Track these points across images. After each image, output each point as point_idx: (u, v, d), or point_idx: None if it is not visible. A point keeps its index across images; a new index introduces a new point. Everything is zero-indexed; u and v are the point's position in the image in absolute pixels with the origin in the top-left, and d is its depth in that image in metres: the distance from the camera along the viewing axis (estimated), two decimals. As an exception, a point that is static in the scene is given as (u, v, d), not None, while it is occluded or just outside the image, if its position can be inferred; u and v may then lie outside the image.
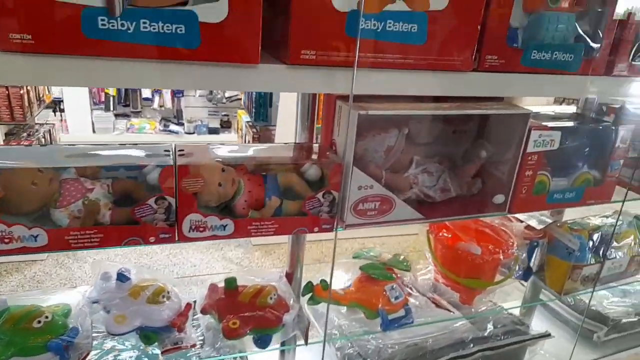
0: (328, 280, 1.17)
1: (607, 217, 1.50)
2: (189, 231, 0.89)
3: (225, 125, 4.41)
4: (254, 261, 2.67)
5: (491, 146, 1.14)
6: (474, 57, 0.95)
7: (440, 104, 1.02)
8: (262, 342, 1.04)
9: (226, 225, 0.91)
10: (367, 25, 0.84)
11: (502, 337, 1.35)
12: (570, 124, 1.21)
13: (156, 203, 0.85)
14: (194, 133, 4.25)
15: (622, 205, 1.32)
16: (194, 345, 1.04)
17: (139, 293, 1.01)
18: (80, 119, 3.95)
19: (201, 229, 0.89)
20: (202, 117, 4.39)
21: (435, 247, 1.30)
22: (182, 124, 4.26)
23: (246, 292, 1.07)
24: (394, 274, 1.17)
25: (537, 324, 1.69)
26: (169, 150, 0.91)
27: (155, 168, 0.84)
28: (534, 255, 1.37)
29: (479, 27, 0.93)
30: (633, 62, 1.12)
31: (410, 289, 1.22)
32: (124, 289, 1.02)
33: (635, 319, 1.61)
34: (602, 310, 1.61)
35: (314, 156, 1.03)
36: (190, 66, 0.76)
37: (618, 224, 1.45)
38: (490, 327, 1.35)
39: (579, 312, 1.63)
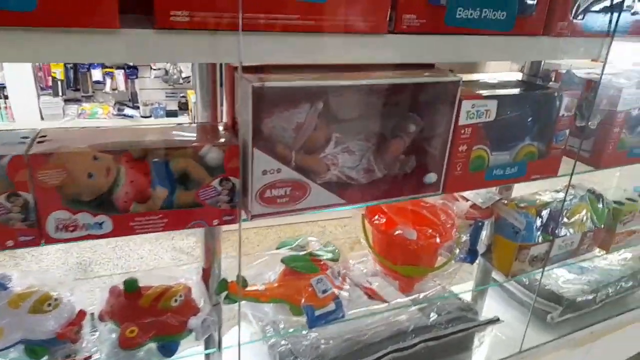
0: (248, 273, 1.06)
1: (558, 191, 1.41)
2: (56, 231, 0.75)
3: (184, 107, 4.21)
4: (207, 250, 2.55)
5: (422, 119, 1.02)
6: (388, 17, 0.82)
7: (360, 74, 0.90)
8: (166, 351, 0.93)
9: (102, 222, 0.78)
10: (252, -20, 0.71)
11: (447, 326, 1.26)
12: (511, 91, 1.10)
13: (9, 200, 0.71)
14: (150, 116, 4.05)
15: (570, 179, 1.22)
16: (88, 358, 0.91)
17: (18, 303, 0.88)
18: (27, 105, 3.71)
19: (71, 228, 0.76)
20: (159, 100, 4.18)
21: (371, 232, 1.19)
22: (138, 107, 4.06)
23: (148, 295, 0.94)
24: (319, 265, 1.06)
25: (492, 305, 1.62)
26: (27, 137, 0.77)
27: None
28: (479, 236, 1.27)
29: (391, -19, 0.80)
30: (575, 20, 1.00)
31: (343, 279, 1.11)
32: (2, 298, 0.89)
33: (591, 297, 1.54)
34: (557, 290, 1.54)
35: (222, 139, 0.89)
36: (26, 33, 0.62)
37: (570, 198, 1.36)
38: (433, 315, 1.26)
39: (533, 292, 1.56)
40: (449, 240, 1.16)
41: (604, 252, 1.48)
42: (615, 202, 1.45)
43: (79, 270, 2.31)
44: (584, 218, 1.34)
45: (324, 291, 1.06)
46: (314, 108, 0.89)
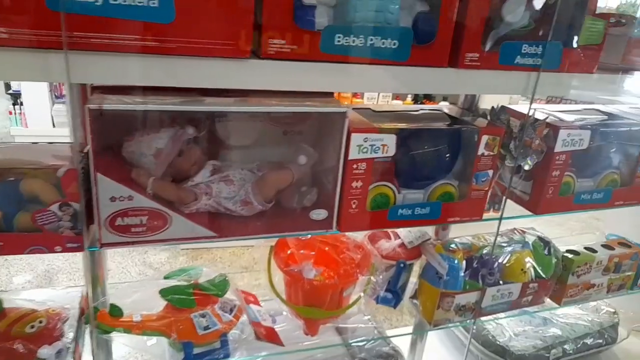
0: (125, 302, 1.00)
1: (503, 235, 1.29)
2: None
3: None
4: (177, 266, 2.50)
5: (316, 151, 0.95)
6: (256, 41, 0.76)
7: (241, 99, 0.83)
8: (14, 380, 0.88)
9: None
10: (79, -4, 0.66)
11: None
12: (417, 126, 1.01)
13: None
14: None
15: (499, 224, 1.11)
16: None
17: None
18: (40, 112, 3.85)
19: None
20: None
21: (273, 267, 1.11)
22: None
23: (8, 318, 0.90)
24: (202, 300, 0.99)
25: (436, 348, 1.50)
26: None
27: None
28: (401, 278, 1.17)
29: (252, 2, 0.74)
30: (490, 52, 0.91)
31: (237, 316, 1.04)
32: None
33: (544, 353, 1.40)
34: (506, 342, 1.40)
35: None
36: None
37: (512, 244, 1.24)
38: (345, 361, 1.16)
39: (478, 340, 1.43)
40: (352, 281, 1.07)
41: (556, 305, 1.33)
42: (569, 251, 1.31)
43: (45, 279, 2.33)
44: (526, 267, 1.21)
45: (206, 327, 0.99)
46: (180, 134, 0.84)
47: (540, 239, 1.28)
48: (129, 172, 0.83)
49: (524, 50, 0.94)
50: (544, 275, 1.24)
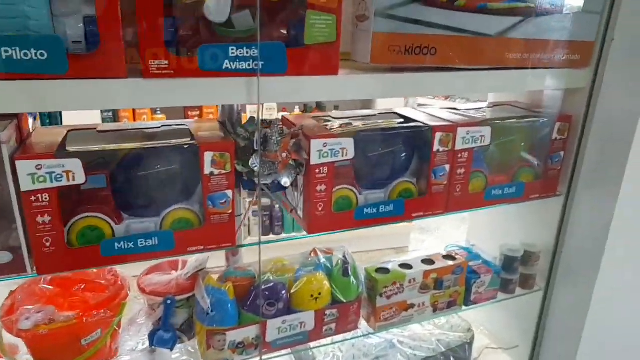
0: None
1: (301, 257, 1.16)
2: None
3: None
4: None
5: None
6: None
7: None
8: None
9: None
10: None
11: None
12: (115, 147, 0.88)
13: None
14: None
15: (260, 249, 0.99)
16: None
17: None
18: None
19: None
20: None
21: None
22: None
23: None
24: None
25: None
26: None
27: None
28: (170, 317, 1.04)
29: None
30: (187, 56, 0.80)
31: None
32: None
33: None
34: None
35: None
36: None
37: (302, 269, 1.12)
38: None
39: (304, 374, 1.30)
40: (85, 327, 0.93)
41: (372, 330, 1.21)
42: (380, 270, 1.19)
43: None
44: (318, 292, 1.08)
45: None
46: None
47: (343, 259, 1.15)
48: None
49: (233, 53, 0.82)
50: (343, 299, 1.11)
